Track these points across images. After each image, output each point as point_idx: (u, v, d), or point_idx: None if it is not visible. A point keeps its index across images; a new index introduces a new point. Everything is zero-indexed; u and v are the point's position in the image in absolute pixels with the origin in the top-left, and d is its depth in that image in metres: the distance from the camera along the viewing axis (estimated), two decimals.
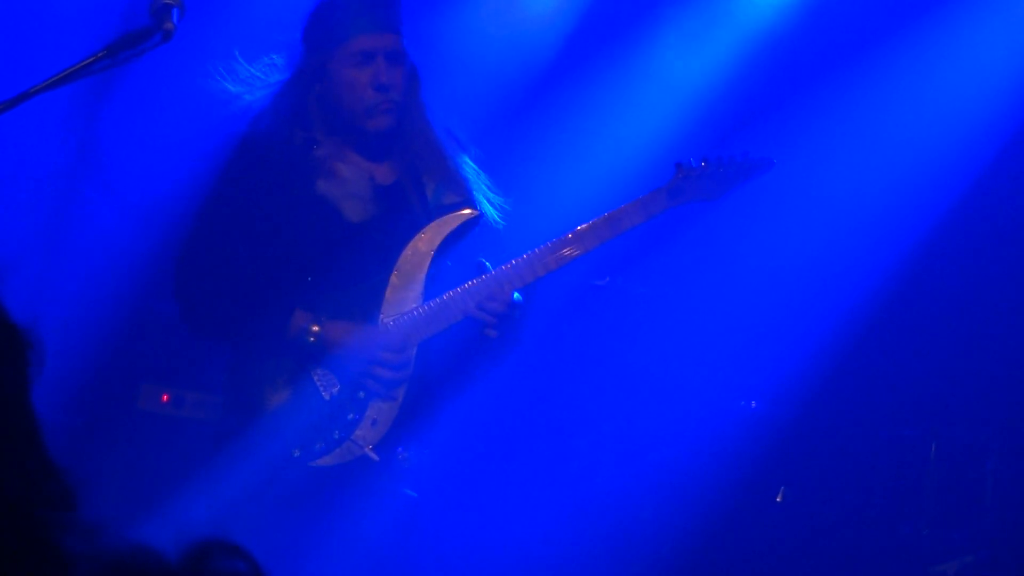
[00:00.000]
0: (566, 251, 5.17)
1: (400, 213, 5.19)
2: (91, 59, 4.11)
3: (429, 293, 5.16)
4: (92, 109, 6.64)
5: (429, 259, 5.17)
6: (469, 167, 5.29)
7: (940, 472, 6.66)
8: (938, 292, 7.04)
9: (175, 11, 4.20)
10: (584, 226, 5.19)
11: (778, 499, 6.74)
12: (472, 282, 5.14)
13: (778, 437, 6.81)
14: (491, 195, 5.28)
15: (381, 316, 5.14)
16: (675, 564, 6.69)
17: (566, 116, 7.09)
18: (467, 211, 5.22)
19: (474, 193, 5.25)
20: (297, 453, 5.06)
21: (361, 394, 5.10)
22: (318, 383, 5.08)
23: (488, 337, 5.15)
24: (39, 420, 1.86)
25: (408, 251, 5.16)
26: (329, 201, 5.15)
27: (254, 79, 5.22)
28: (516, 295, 5.15)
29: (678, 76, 7.06)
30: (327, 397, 5.08)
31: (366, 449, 5.07)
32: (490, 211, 5.24)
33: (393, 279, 5.15)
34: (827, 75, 7.11)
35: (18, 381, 1.85)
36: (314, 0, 5.20)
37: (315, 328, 5.05)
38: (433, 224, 5.19)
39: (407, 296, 5.15)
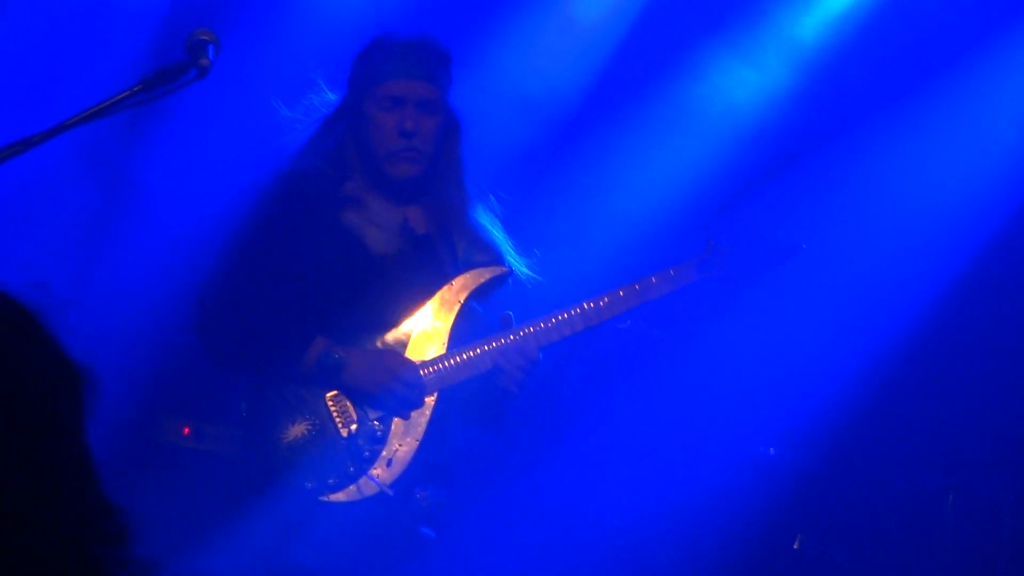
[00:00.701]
0: (594, 315, 5.21)
1: (428, 258, 5.21)
2: (126, 93, 4.12)
3: (453, 342, 5.17)
4: (126, 142, 6.68)
5: (457, 309, 5.19)
6: (498, 229, 5.33)
7: (957, 522, 6.65)
8: (959, 344, 7.04)
9: (211, 47, 4.20)
10: (613, 292, 5.22)
11: (795, 546, 6.72)
12: (501, 340, 5.16)
13: (796, 484, 6.80)
14: (519, 258, 5.31)
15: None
16: None
17: (585, 172, 7.13)
18: (497, 268, 5.25)
19: (504, 255, 5.28)
20: (310, 485, 5.06)
21: (379, 432, 5.11)
22: (336, 418, 5.08)
23: (508, 390, 5.17)
24: (94, 457, 1.86)
25: (436, 298, 5.18)
26: (353, 232, 5.17)
27: (307, 108, 5.26)
28: (540, 354, 5.18)
29: (700, 130, 7.10)
30: (345, 434, 5.08)
31: (382, 486, 5.06)
32: (521, 269, 5.28)
33: (419, 324, 5.17)
34: (845, 131, 7.14)
35: (74, 418, 1.85)
36: (352, 48, 5.25)
37: (339, 353, 5.06)
38: (463, 275, 5.21)
39: (431, 344, 5.17)
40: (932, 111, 7.05)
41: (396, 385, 5.07)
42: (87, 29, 6.63)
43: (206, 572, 5.00)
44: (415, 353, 5.15)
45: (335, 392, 5.09)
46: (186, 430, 6.53)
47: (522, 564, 6.60)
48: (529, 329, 5.18)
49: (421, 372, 5.13)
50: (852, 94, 7.14)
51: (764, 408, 6.94)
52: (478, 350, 5.16)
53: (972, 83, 7.02)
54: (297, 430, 5.08)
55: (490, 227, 5.32)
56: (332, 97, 5.28)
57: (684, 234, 6.78)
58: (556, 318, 5.19)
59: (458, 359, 5.15)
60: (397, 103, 5.12)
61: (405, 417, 5.10)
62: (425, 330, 5.17)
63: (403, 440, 5.11)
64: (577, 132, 7.20)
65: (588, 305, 5.21)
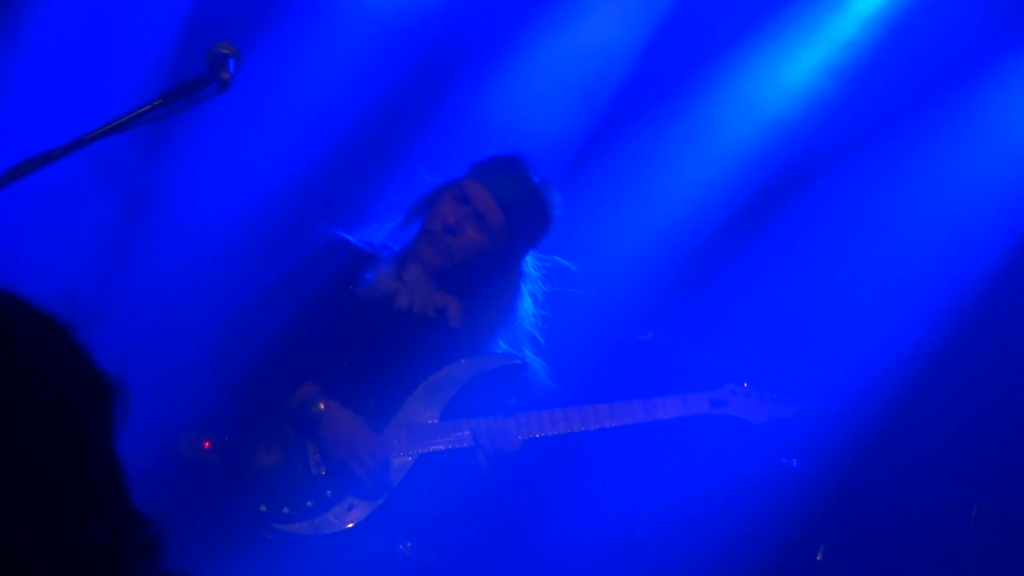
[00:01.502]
0: (593, 420, 5.23)
1: (449, 341, 5.24)
2: (147, 107, 4.12)
3: (447, 417, 5.19)
4: (148, 153, 6.69)
5: (460, 386, 5.21)
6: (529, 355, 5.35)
7: (981, 534, 6.62)
8: (982, 357, 7.01)
9: (231, 61, 4.21)
10: (621, 404, 5.24)
11: (818, 557, 6.70)
12: (488, 422, 5.17)
13: (819, 495, 6.78)
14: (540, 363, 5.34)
15: (394, 419, 5.18)
16: None
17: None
18: (513, 359, 5.27)
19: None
20: (264, 509, 5.08)
21: (344, 481, 5.13)
22: (310, 455, 5.11)
23: (483, 467, 5.18)
24: (123, 469, 1.86)
25: (444, 371, 5.21)
26: (386, 286, 5.22)
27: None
28: (520, 443, 5.19)
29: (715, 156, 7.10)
30: (313, 472, 5.10)
31: (337, 528, 5.08)
32: (536, 367, 5.30)
33: (419, 391, 5.20)
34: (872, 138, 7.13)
35: (103, 431, 1.85)
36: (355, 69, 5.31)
37: (320, 405, 5.09)
38: (478, 358, 5.24)
39: (426, 412, 5.20)
40: (957, 117, 7.04)
41: (359, 463, 5.10)
42: (108, 43, 6.64)
43: None
44: (404, 418, 5.17)
45: (308, 435, 5.14)
46: (207, 444, 6.53)
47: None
48: (523, 416, 5.20)
49: (395, 427, 5.15)
50: (878, 101, 7.12)
51: (786, 420, 6.92)
52: (463, 425, 5.18)
53: (996, 91, 7.00)
54: (270, 457, 5.13)
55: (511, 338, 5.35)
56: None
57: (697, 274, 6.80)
58: (547, 416, 5.22)
59: (443, 424, 5.17)
60: (463, 200, 5.21)
61: (362, 495, 5.12)
62: (424, 397, 5.19)
63: (363, 498, 5.13)
64: (589, 162, 7.18)
65: (592, 408, 5.24)
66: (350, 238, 5.35)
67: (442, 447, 5.18)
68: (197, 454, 6.55)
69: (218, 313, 5.29)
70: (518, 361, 5.30)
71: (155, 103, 4.11)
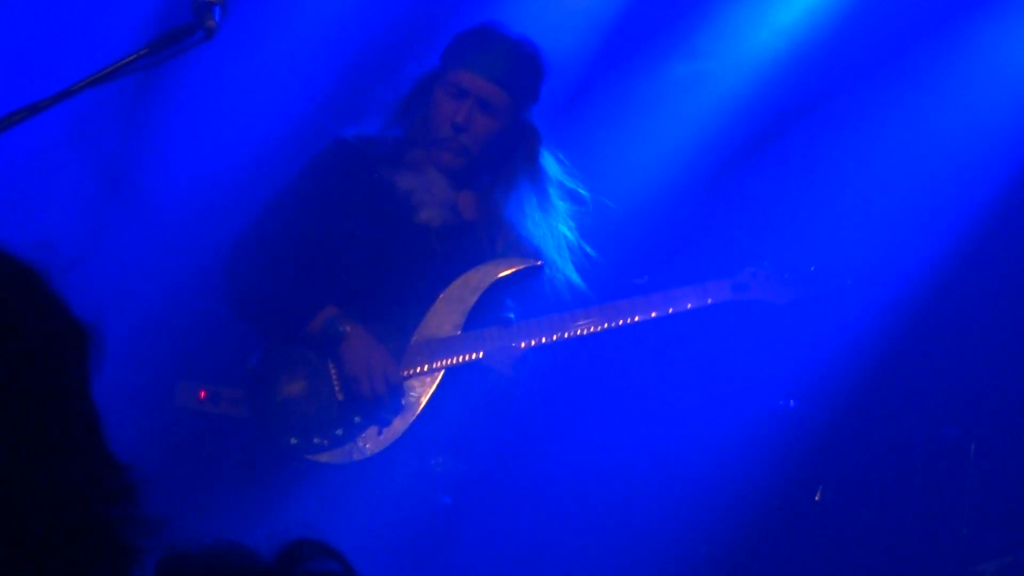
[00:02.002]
0: (617, 315, 5.19)
1: (468, 243, 5.21)
2: (133, 56, 4.11)
3: (469, 327, 5.17)
4: (137, 104, 6.66)
5: (478, 294, 5.19)
6: (547, 235, 5.30)
7: (980, 472, 6.63)
8: (980, 293, 7.01)
9: (217, 9, 4.18)
10: (640, 299, 5.20)
11: (816, 498, 6.71)
12: (496, 329, 5.16)
13: (816, 436, 6.79)
14: (562, 259, 5.28)
15: (415, 337, 5.16)
16: (712, 563, 6.67)
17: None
18: (529, 260, 5.23)
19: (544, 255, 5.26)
20: (295, 442, 5.08)
21: (370, 403, 5.13)
22: (335, 381, 5.09)
23: (494, 381, 5.18)
24: (100, 415, 1.85)
25: (461, 280, 5.19)
26: (405, 193, 5.18)
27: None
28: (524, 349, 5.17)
29: (707, 99, 7.07)
30: (340, 397, 5.09)
31: (366, 454, 5.08)
32: (559, 268, 5.25)
33: (439, 304, 5.18)
34: (847, 83, 7.11)
35: (79, 377, 1.84)
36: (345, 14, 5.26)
37: (346, 327, 5.07)
38: (493, 262, 5.20)
39: (446, 323, 5.19)
40: (945, 66, 7.02)
41: (371, 389, 5.08)
42: None
43: (215, 533, 5.00)
44: (427, 331, 5.16)
45: (331, 357, 5.12)
46: (202, 394, 6.53)
47: (536, 520, 6.59)
48: (530, 326, 5.18)
49: (427, 344, 5.14)
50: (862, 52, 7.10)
51: (783, 360, 6.92)
52: (484, 335, 5.16)
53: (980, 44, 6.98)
54: (295, 387, 5.14)
55: (536, 230, 5.30)
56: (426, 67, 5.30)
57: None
58: (568, 316, 5.19)
59: (461, 338, 5.16)
60: (460, 94, 5.16)
61: (373, 419, 5.11)
62: (445, 307, 5.18)
63: (399, 413, 5.13)
64: (574, 113, 7.15)
65: (610, 307, 5.20)
66: (351, 140, 5.27)
67: (466, 358, 5.16)
68: (194, 403, 6.55)
69: (236, 237, 5.25)
70: (536, 262, 5.26)
71: (141, 52, 4.10)
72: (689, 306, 5.23)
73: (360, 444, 5.09)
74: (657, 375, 6.85)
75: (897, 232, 6.99)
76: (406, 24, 6.80)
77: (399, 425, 5.12)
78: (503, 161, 5.24)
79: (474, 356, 5.16)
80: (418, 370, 5.15)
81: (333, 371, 5.11)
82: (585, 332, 5.19)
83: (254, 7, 6.46)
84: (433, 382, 5.15)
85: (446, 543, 5.27)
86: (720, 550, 6.66)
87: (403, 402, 5.10)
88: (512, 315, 5.19)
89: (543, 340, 5.17)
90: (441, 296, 5.16)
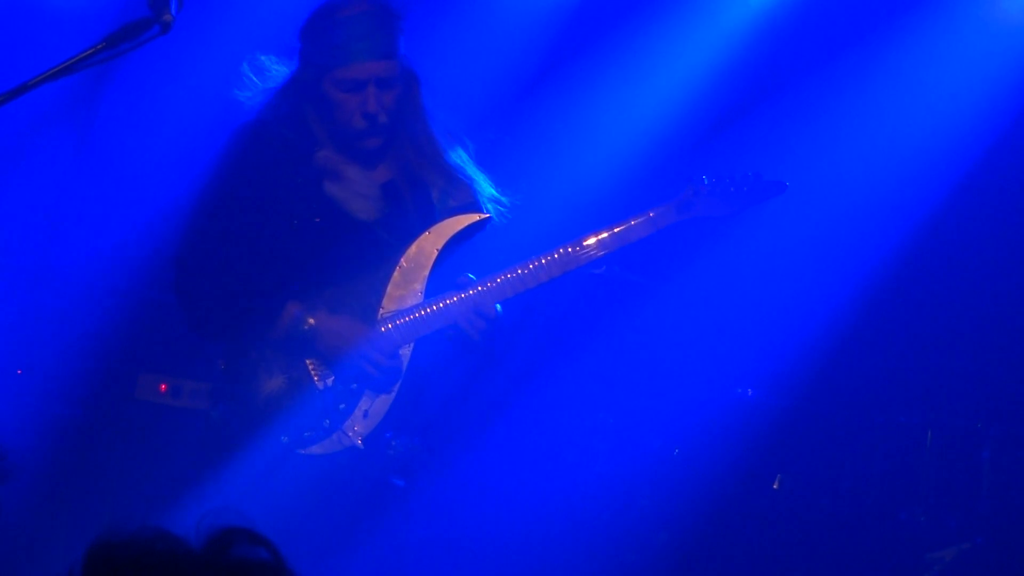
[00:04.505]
0: (570, 260, 5.19)
1: (403, 211, 5.22)
2: (90, 51, 4.10)
3: (431, 291, 5.18)
4: (92, 100, 6.65)
5: (433, 258, 5.19)
6: (472, 169, 5.32)
7: (937, 459, 6.68)
8: (935, 281, 7.06)
9: (173, 2, 4.19)
10: (588, 236, 5.20)
11: (775, 486, 6.75)
12: (459, 295, 5.17)
13: (774, 425, 6.83)
14: (496, 194, 5.30)
15: (381, 311, 5.17)
16: (672, 551, 6.71)
17: (563, 112, 7.13)
18: (475, 215, 5.24)
19: (480, 196, 5.27)
20: (285, 439, 5.09)
21: (354, 385, 5.13)
22: (312, 372, 5.11)
23: (472, 345, 5.18)
24: None
25: (413, 249, 5.19)
26: (337, 201, 5.18)
27: (255, 84, 5.25)
28: (498, 307, 5.18)
29: (674, 71, 7.09)
30: (320, 386, 5.11)
31: (356, 440, 5.10)
32: (496, 213, 5.27)
33: (396, 275, 5.19)
34: (818, 72, 7.14)
35: None
36: (310, 7, 5.21)
37: (310, 320, 5.08)
38: (439, 224, 5.21)
39: (409, 293, 5.18)
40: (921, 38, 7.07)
41: (366, 360, 5.10)
42: None
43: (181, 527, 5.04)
44: (392, 304, 5.16)
45: (308, 352, 5.13)
46: (163, 387, 6.55)
47: (496, 510, 6.63)
48: (488, 284, 5.18)
49: (397, 321, 5.15)
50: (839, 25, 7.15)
51: (741, 350, 6.97)
52: (442, 304, 5.17)
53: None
54: (274, 383, 5.13)
55: (466, 167, 5.32)
56: (282, 69, 5.26)
57: (658, 175, 6.82)
58: (522, 270, 5.19)
59: (428, 310, 5.17)
60: (357, 85, 5.12)
61: (375, 379, 5.13)
62: (404, 279, 5.19)
63: (379, 394, 5.14)
64: (551, 72, 7.19)
65: (562, 251, 5.19)
66: (255, 126, 5.23)
67: (430, 330, 5.18)
68: (154, 397, 6.56)
69: (176, 253, 5.24)
70: (482, 215, 5.26)
71: (98, 46, 4.10)
72: (640, 236, 5.22)
73: (348, 430, 5.10)
74: (617, 364, 6.88)
75: (854, 224, 7.04)
76: None
77: (381, 405, 5.13)
78: (412, 109, 5.25)
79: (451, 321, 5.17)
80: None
81: (309, 363, 5.12)
82: (546, 280, 5.19)
83: (210, 1, 6.48)
84: (407, 354, 5.17)
85: (398, 524, 5.28)
86: (679, 537, 6.70)
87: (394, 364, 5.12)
88: (472, 275, 5.20)
89: (508, 295, 5.17)
90: (397, 270, 5.16)
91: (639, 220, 5.23)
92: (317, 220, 5.13)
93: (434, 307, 5.17)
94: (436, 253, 5.20)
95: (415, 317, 5.17)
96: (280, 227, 5.13)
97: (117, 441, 6.46)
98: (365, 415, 5.12)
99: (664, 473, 6.73)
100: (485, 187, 5.30)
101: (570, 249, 5.18)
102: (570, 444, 6.81)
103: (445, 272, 5.21)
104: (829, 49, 7.13)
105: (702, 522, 6.71)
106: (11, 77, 4.07)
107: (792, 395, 6.89)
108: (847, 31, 7.12)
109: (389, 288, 5.18)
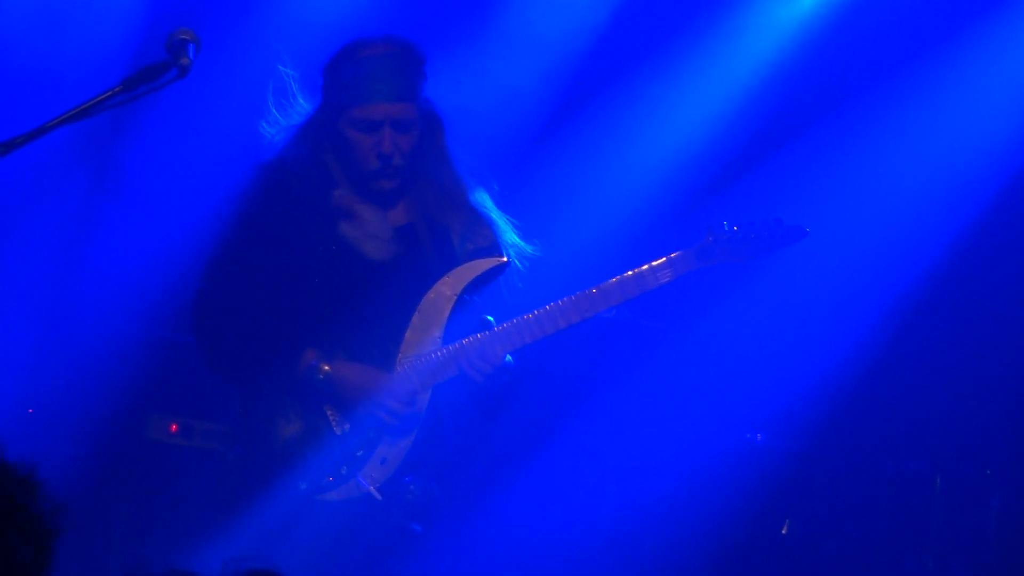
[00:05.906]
0: (588, 307, 5.20)
1: (420, 254, 5.23)
2: (108, 93, 4.14)
3: (450, 336, 5.19)
4: (110, 141, 6.69)
5: (452, 303, 5.21)
6: (495, 212, 5.33)
7: (945, 505, 6.67)
8: (944, 329, 7.06)
9: (191, 46, 4.22)
10: (611, 281, 5.22)
11: (783, 531, 6.74)
12: (465, 341, 5.18)
13: (783, 470, 6.82)
14: (517, 238, 5.31)
15: (400, 356, 5.18)
16: None
17: (579, 161, 7.16)
18: (494, 258, 5.25)
19: (500, 238, 5.29)
20: (304, 486, 5.09)
21: (372, 433, 5.14)
22: (330, 418, 5.12)
23: (478, 389, 5.19)
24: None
25: (432, 294, 5.20)
26: (350, 242, 5.19)
27: (277, 121, 5.28)
28: (508, 357, 5.19)
29: (691, 117, 7.12)
30: (338, 432, 5.11)
31: (370, 489, 5.10)
32: (520, 252, 5.28)
33: (415, 320, 5.20)
34: (825, 123, 7.16)
35: None
36: (331, 48, 5.24)
37: (325, 367, 5.09)
38: (459, 269, 5.22)
39: (427, 338, 5.19)
40: (926, 91, 7.07)
41: (383, 409, 5.12)
42: (69, 30, 6.63)
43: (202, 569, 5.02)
44: (410, 350, 5.17)
45: (324, 399, 5.14)
46: (174, 427, 6.55)
47: (509, 553, 6.62)
48: (497, 329, 5.19)
49: (407, 369, 5.16)
50: (845, 72, 7.16)
51: (751, 395, 6.96)
52: (455, 346, 5.18)
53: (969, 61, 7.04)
54: (292, 428, 5.13)
55: (489, 211, 5.33)
56: (305, 105, 5.30)
57: (675, 221, 6.84)
58: (537, 314, 5.20)
59: (442, 353, 5.18)
60: (374, 126, 5.14)
61: (398, 434, 5.14)
62: (423, 324, 5.20)
63: (396, 441, 5.15)
64: (566, 122, 7.21)
65: (582, 296, 5.21)
66: (276, 165, 5.25)
67: (445, 376, 5.18)
68: (165, 437, 6.57)
69: (194, 297, 5.25)
70: (501, 259, 5.27)
71: (116, 89, 4.13)
72: (659, 283, 5.22)
73: (365, 477, 5.10)
74: (627, 408, 6.88)
75: (862, 271, 7.04)
76: None
77: (398, 452, 5.13)
78: (435, 150, 5.26)
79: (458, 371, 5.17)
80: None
81: (328, 409, 5.12)
82: (564, 326, 5.19)
83: (227, 46, 6.52)
84: (424, 402, 5.17)
85: (416, 570, 5.27)
86: None
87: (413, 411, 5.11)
88: (491, 317, 5.20)
89: (527, 340, 5.17)
90: (416, 313, 5.17)
91: (659, 267, 5.24)
92: (330, 260, 5.15)
93: (447, 352, 5.18)
94: (455, 298, 5.21)
95: (433, 361, 5.17)
96: (297, 267, 5.14)
97: (127, 481, 6.46)
98: (383, 462, 5.13)
99: (672, 517, 6.72)
100: (507, 231, 5.31)
101: (589, 294, 5.20)
102: (583, 488, 6.80)
103: (465, 317, 5.22)
104: (842, 92, 7.15)
105: (711, 566, 6.70)
106: (28, 120, 4.10)
107: (801, 440, 6.88)
108: (861, 72, 7.13)
109: (408, 333, 5.19)
